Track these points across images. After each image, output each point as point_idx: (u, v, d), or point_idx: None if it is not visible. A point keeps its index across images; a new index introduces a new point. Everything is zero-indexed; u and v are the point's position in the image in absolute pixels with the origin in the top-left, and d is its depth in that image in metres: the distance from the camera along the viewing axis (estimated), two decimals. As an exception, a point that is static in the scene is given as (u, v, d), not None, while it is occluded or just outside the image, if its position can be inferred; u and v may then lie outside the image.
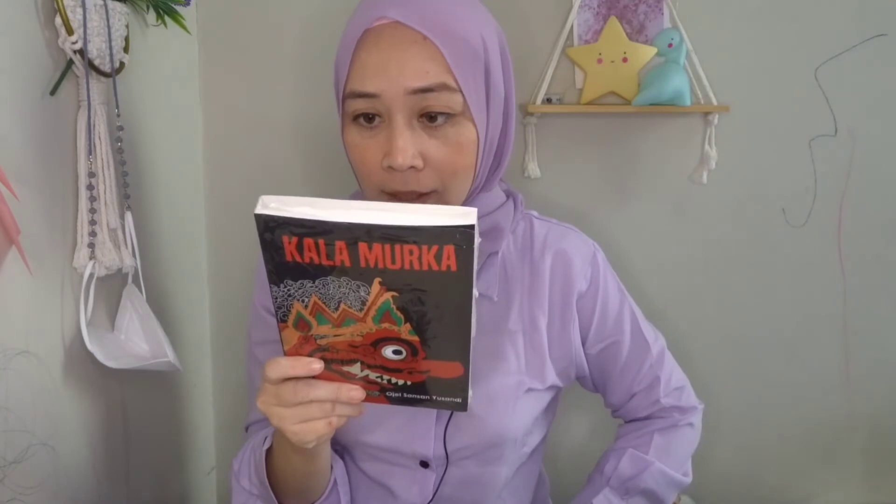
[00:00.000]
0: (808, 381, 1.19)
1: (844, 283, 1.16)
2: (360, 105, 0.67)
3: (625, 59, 1.06)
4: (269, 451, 0.71)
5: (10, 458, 0.73)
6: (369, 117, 0.67)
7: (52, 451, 0.80)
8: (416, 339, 0.54)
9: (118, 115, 0.84)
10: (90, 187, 0.81)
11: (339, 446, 0.82)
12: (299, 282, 0.52)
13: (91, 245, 0.81)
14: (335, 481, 0.74)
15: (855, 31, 1.09)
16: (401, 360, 0.56)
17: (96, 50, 0.79)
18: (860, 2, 1.08)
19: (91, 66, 0.79)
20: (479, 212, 0.74)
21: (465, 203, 0.74)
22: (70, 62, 0.78)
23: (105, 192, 0.83)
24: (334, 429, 0.59)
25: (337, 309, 0.53)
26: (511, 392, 0.77)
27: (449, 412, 0.76)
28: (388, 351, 0.56)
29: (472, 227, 0.47)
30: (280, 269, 0.51)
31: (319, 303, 0.53)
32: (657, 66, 1.05)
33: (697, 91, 1.08)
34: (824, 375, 1.18)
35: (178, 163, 1.09)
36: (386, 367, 0.57)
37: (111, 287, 0.89)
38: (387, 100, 0.65)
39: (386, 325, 0.53)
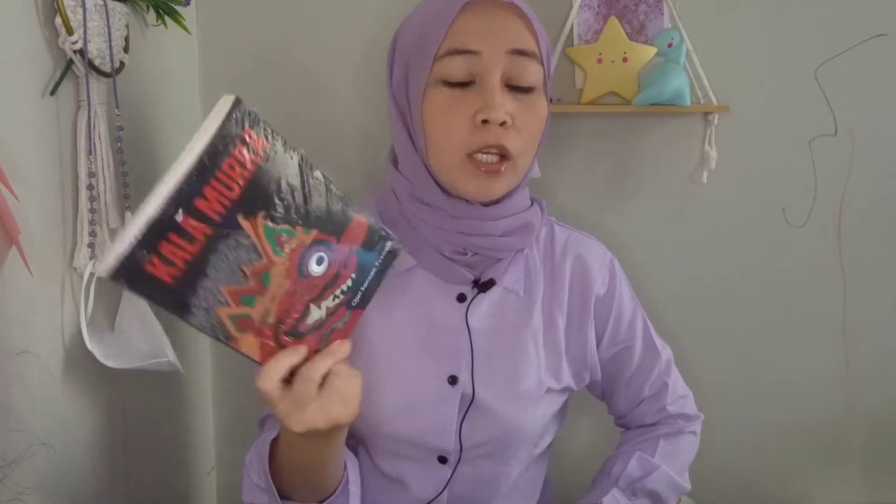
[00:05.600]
0: (808, 381, 1.19)
1: (844, 283, 1.16)
2: (456, 64, 0.71)
3: (625, 59, 1.06)
4: (277, 445, 0.71)
5: (10, 458, 0.73)
6: (462, 82, 0.71)
7: (52, 451, 0.80)
8: (315, 232, 0.54)
9: (118, 115, 0.84)
10: (90, 187, 0.81)
11: (355, 440, 0.82)
12: (198, 288, 0.49)
13: (91, 245, 0.81)
14: (347, 479, 0.73)
15: (855, 31, 1.08)
16: (329, 266, 0.56)
17: (96, 50, 0.79)
18: (860, 2, 1.08)
19: (91, 66, 0.79)
20: (515, 208, 0.79)
21: (506, 198, 0.77)
22: (70, 62, 0.78)
23: (105, 192, 0.83)
24: (359, 381, 0.61)
25: (246, 277, 0.51)
26: (533, 390, 0.78)
27: (467, 406, 0.76)
28: (313, 265, 0.55)
29: (237, 100, 0.47)
30: (173, 296, 0.48)
31: (231, 288, 0.51)
32: (657, 66, 1.05)
33: (697, 91, 1.08)
34: (824, 375, 1.18)
35: (178, 163, 1.09)
36: (328, 284, 0.57)
37: (111, 287, 0.88)
38: (487, 57, 0.70)
39: (287, 247, 0.53)
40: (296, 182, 0.52)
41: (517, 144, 0.72)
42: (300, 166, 0.52)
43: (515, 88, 0.72)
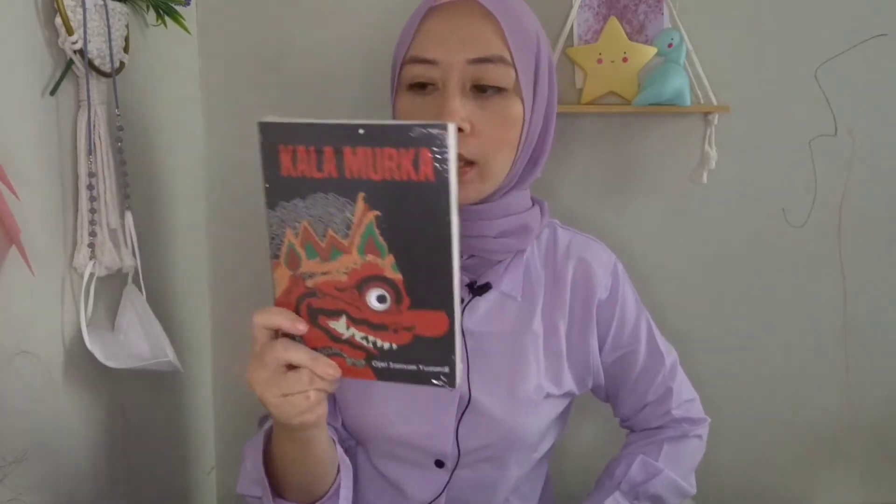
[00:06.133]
0: (808, 381, 1.19)
1: (844, 282, 1.16)
2: (417, 71, 0.70)
3: (625, 59, 1.06)
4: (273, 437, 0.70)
5: (10, 458, 0.73)
6: (423, 85, 0.70)
7: (52, 451, 0.80)
8: (399, 276, 0.54)
9: (118, 115, 0.84)
10: (90, 187, 0.81)
11: (355, 441, 0.82)
12: (292, 202, 0.53)
13: (91, 245, 0.81)
14: (339, 484, 0.73)
15: (855, 31, 1.09)
16: (385, 312, 0.55)
17: (96, 50, 0.79)
18: (860, 2, 1.08)
19: (91, 66, 0.79)
20: (512, 209, 0.77)
21: (500, 198, 0.76)
22: (70, 62, 0.78)
23: (105, 192, 0.83)
24: (314, 405, 0.58)
25: (324, 236, 0.54)
26: (531, 395, 0.78)
27: (463, 409, 0.76)
28: (372, 298, 0.55)
29: (444, 126, 0.48)
30: (276, 185, 0.53)
31: (309, 229, 0.54)
32: (657, 66, 1.05)
33: (697, 91, 1.08)
34: (824, 375, 1.18)
35: (179, 163, 1.09)
36: (371, 322, 0.55)
37: (111, 287, 0.88)
38: (444, 67, 0.69)
39: (370, 256, 0.53)
40: (424, 230, 0.51)
41: (476, 150, 0.70)
42: (446, 230, 0.51)
43: (481, 89, 0.70)
